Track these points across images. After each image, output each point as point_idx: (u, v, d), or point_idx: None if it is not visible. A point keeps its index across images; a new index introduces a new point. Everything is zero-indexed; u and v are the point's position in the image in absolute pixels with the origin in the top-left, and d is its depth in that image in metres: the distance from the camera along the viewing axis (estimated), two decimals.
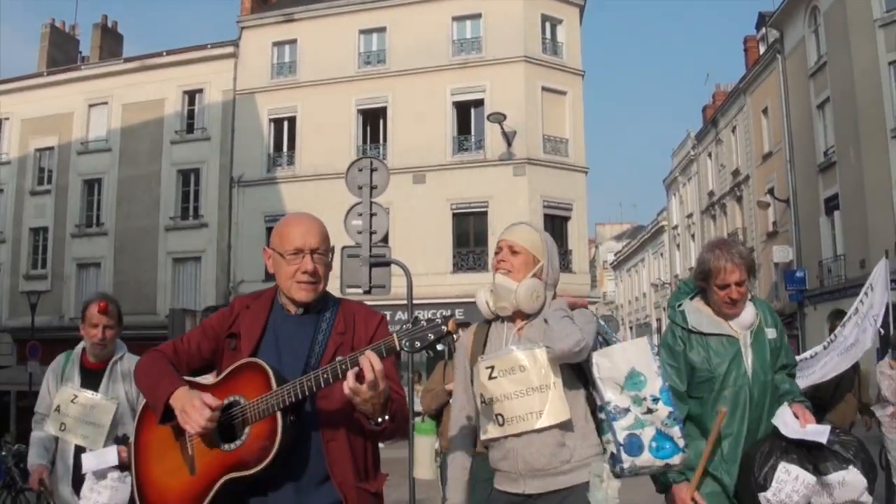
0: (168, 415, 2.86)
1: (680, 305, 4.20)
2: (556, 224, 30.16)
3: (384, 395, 2.73)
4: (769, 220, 36.32)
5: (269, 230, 31.49)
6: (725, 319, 4.03)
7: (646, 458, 3.35)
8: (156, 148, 34.75)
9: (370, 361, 2.64)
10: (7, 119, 37.69)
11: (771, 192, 35.03)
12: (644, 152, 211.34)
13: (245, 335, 3.07)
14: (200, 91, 34.68)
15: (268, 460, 2.73)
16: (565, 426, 3.40)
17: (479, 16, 31.54)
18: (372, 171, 11.32)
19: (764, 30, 38.05)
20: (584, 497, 3.30)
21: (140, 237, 34.28)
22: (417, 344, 2.66)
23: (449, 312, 2.75)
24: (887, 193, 25.80)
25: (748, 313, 4.02)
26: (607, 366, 3.45)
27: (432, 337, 2.65)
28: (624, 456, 3.34)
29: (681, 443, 3.37)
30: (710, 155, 45.86)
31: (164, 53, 35.74)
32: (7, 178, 37.46)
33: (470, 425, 3.74)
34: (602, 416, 3.44)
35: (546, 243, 3.69)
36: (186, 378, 2.98)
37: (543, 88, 30.77)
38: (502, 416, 3.40)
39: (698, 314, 4.09)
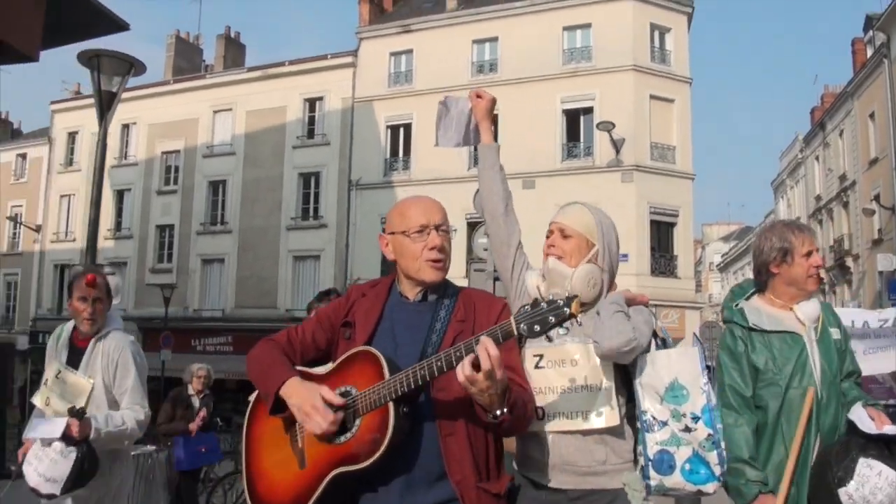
0: (278, 405, 2.79)
1: (737, 305, 3.95)
2: (661, 230, 30.96)
3: (502, 385, 2.52)
4: (875, 228, 36.31)
5: None
6: (791, 308, 3.82)
7: (676, 480, 3.08)
8: (278, 152, 36.55)
9: (486, 348, 2.43)
10: (135, 124, 39.84)
11: (877, 198, 35.07)
12: (752, 153, 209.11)
13: (360, 323, 2.97)
14: (321, 98, 36.36)
15: (379, 453, 2.60)
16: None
17: (588, 25, 32.42)
18: None
19: (871, 32, 38.00)
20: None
21: (262, 236, 36.08)
22: (537, 328, 2.45)
23: (573, 294, 2.51)
24: None
25: (813, 304, 3.83)
26: (648, 371, 3.19)
27: (553, 319, 2.43)
28: (652, 472, 3.10)
29: (717, 470, 3.07)
30: (817, 158, 45.74)
31: (286, 63, 37.53)
32: (135, 178, 39.78)
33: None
34: (638, 424, 3.18)
35: (602, 226, 3.40)
36: (299, 368, 2.92)
37: (651, 96, 31.51)
38: (543, 410, 3.13)
39: (757, 312, 3.84)
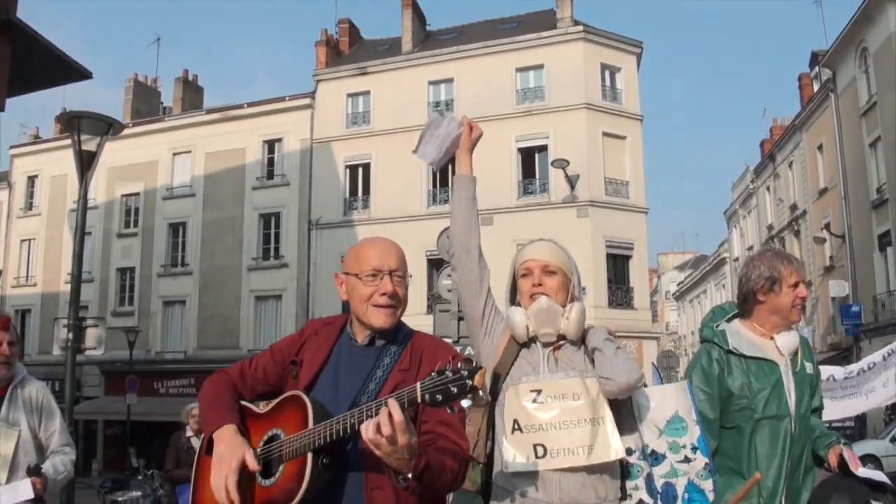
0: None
1: (717, 326, 3.93)
2: (618, 262, 31.65)
3: (408, 451, 2.42)
4: (826, 255, 37.14)
5: None
6: (772, 337, 3.84)
7: None
8: (238, 193, 36.92)
9: (390, 412, 2.37)
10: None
11: (827, 227, 35.98)
12: (706, 184, 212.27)
13: (307, 363, 2.90)
14: (279, 140, 36.82)
15: (294, 503, 2.54)
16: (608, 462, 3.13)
17: (541, 66, 33.27)
18: None
19: (817, 68, 39.08)
20: None
21: (224, 276, 36.32)
22: (439, 397, 2.38)
23: (476, 363, 2.47)
24: None
25: (793, 335, 3.84)
26: (650, 407, 3.26)
27: (455, 391, 2.37)
28: None
29: (710, 497, 3.19)
30: (768, 189, 46.70)
31: (245, 105, 38.05)
32: (95, 221, 39.19)
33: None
34: (633, 459, 3.17)
35: (572, 260, 3.42)
36: (243, 403, 2.91)
37: (604, 133, 32.36)
38: (543, 447, 3.07)
39: (738, 336, 3.83)
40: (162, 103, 44.68)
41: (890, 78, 29.45)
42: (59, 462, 4.81)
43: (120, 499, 10.39)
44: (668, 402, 3.32)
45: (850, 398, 7.17)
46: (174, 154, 38.41)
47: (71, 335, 10.06)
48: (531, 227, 30.54)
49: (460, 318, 12.98)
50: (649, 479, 3.15)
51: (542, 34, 33.71)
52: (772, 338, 3.81)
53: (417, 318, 31.07)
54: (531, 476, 3.08)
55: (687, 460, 3.21)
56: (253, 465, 2.61)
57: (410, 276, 3.03)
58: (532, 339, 3.26)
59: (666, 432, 3.25)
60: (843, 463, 3.68)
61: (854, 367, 7.23)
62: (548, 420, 3.09)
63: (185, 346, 36.76)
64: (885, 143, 30.43)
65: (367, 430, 2.39)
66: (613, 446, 3.07)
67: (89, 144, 9.98)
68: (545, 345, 3.25)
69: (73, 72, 13.46)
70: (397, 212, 33.26)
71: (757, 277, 3.82)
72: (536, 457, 3.07)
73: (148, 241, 38.49)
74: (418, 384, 2.42)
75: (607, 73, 33.56)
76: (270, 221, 36.51)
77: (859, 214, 33.23)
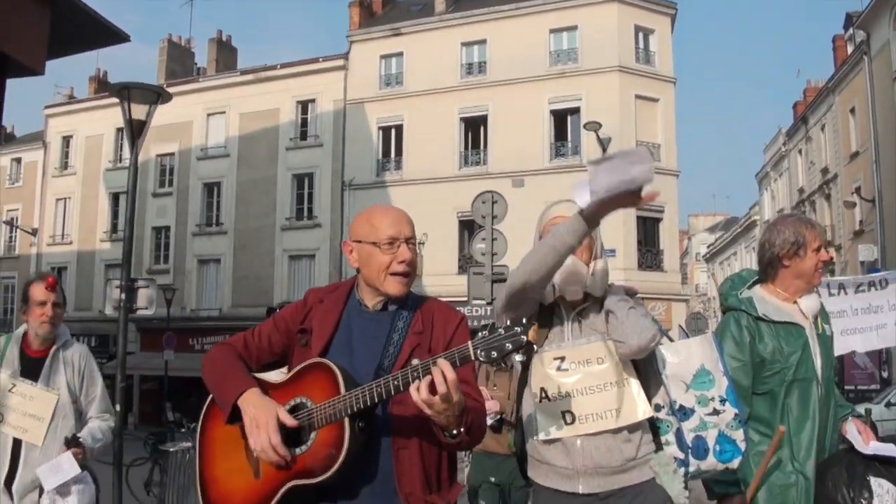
0: (236, 414, 2.73)
1: (741, 293, 3.93)
2: (648, 225, 31.82)
3: (459, 407, 2.51)
4: (856, 219, 37.14)
5: None
6: (795, 300, 3.85)
7: (710, 462, 3.21)
8: (272, 154, 37.30)
9: (442, 372, 2.43)
10: None
11: (857, 191, 35.94)
12: (738, 146, 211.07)
13: (317, 331, 2.90)
14: (313, 101, 37.08)
15: (334, 469, 2.58)
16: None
17: (574, 28, 33.24)
18: (493, 203, 13.37)
19: (851, 30, 38.79)
20: (659, 491, 3.07)
21: (257, 236, 36.79)
22: (494, 354, 2.44)
23: (529, 321, 2.50)
24: None
25: (815, 298, 3.90)
26: (675, 362, 3.30)
27: (510, 346, 2.43)
28: (691, 459, 3.17)
29: (742, 446, 3.24)
30: (800, 152, 46.49)
31: (279, 66, 38.30)
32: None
33: None
34: (662, 415, 3.19)
35: None
36: (255, 375, 2.88)
37: (637, 96, 32.39)
38: (572, 414, 3.07)
39: (764, 302, 3.84)
40: (196, 64, 44.93)
41: None
42: (97, 429, 4.74)
43: (171, 449, 10.74)
44: (693, 356, 3.36)
45: (862, 332, 6.55)
46: (208, 115, 38.76)
47: (123, 295, 10.38)
48: (563, 189, 30.30)
49: (493, 281, 13.36)
50: (679, 434, 3.17)
51: None
52: (795, 302, 3.84)
53: (449, 277, 31.58)
54: (556, 444, 3.11)
55: (716, 412, 3.25)
56: (290, 421, 2.63)
57: (421, 242, 2.94)
58: (557, 303, 3.23)
59: (693, 386, 3.28)
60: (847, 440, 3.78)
61: (864, 279, 6.57)
62: (573, 386, 3.09)
63: (221, 303, 37.33)
64: None
65: (419, 391, 2.46)
66: (641, 406, 3.08)
67: (138, 113, 10.24)
68: (570, 307, 3.23)
69: (111, 35, 13.76)
70: (429, 173, 33.55)
71: (782, 242, 3.84)
72: (566, 423, 3.07)
73: (183, 200, 39.02)
74: (469, 342, 2.49)
75: (641, 35, 33.49)
76: (304, 182, 36.87)
77: (890, 179, 33.12)
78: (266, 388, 2.80)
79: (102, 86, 44.64)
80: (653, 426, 3.16)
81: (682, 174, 33.70)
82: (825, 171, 41.20)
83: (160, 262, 39.31)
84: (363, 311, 2.93)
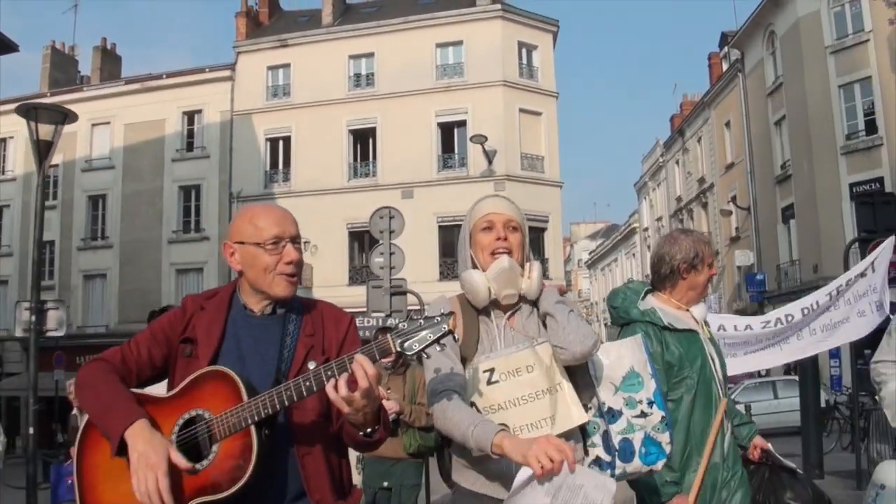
0: (123, 446, 2.46)
1: (641, 306, 4.06)
2: (532, 234, 32.51)
3: (377, 403, 2.48)
4: (732, 226, 38.75)
5: None
6: (688, 308, 4.06)
7: (636, 465, 3.12)
8: (158, 165, 36.82)
9: (363, 366, 2.35)
10: (12, 138, 39.45)
11: (734, 199, 37.55)
12: (618, 156, 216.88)
13: (203, 340, 2.72)
14: (199, 111, 36.79)
15: (244, 480, 2.44)
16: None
17: (460, 42, 33.94)
18: (390, 218, 13.78)
19: (726, 49, 40.47)
20: None
21: (144, 249, 36.27)
22: (416, 346, 2.38)
23: (448, 311, 2.48)
24: (837, 204, 28.38)
25: (703, 307, 4.11)
26: (606, 363, 3.19)
27: (431, 337, 2.37)
28: (618, 462, 3.07)
29: (667, 449, 3.18)
30: (677, 162, 48.19)
31: (164, 76, 37.85)
32: (13, 194, 39.36)
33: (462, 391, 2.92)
34: (590, 416, 3.05)
35: (524, 217, 3.25)
36: (136, 391, 2.66)
37: (521, 110, 33.25)
38: (506, 427, 2.79)
39: (664, 311, 3.98)
40: (80, 72, 44.04)
41: (796, 61, 30.93)
42: None
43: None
44: (623, 357, 3.26)
45: (765, 350, 7.19)
46: (93, 125, 37.89)
47: (34, 318, 10.46)
48: (450, 201, 31.33)
49: (392, 294, 13.78)
50: (606, 436, 3.09)
51: (462, 11, 34.38)
52: (688, 310, 4.04)
53: (339, 288, 31.77)
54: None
55: (643, 415, 3.17)
56: (183, 463, 2.43)
57: (312, 244, 2.78)
58: (488, 306, 3.06)
59: (622, 388, 3.18)
60: (767, 454, 4.18)
61: (772, 316, 7.25)
62: (504, 398, 2.90)
63: (107, 319, 36.64)
64: (790, 122, 31.98)
65: (338, 389, 2.36)
66: (574, 412, 2.95)
67: (45, 133, 10.40)
68: (502, 311, 3.07)
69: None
70: (318, 184, 33.74)
71: (683, 257, 4.02)
72: None
73: (67, 214, 38.14)
74: (389, 335, 2.41)
75: (524, 51, 34.35)
76: (191, 194, 36.55)
77: (764, 188, 34.80)
78: (150, 404, 2.60)
79: None
80: (582, 429, 3.05)
81: (565, 184, 34.65)
82: (702, 180, 42.81)
83: (45, 278, 37.82)
84: (250, 317, 2.79)
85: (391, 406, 6.32)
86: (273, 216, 2.78)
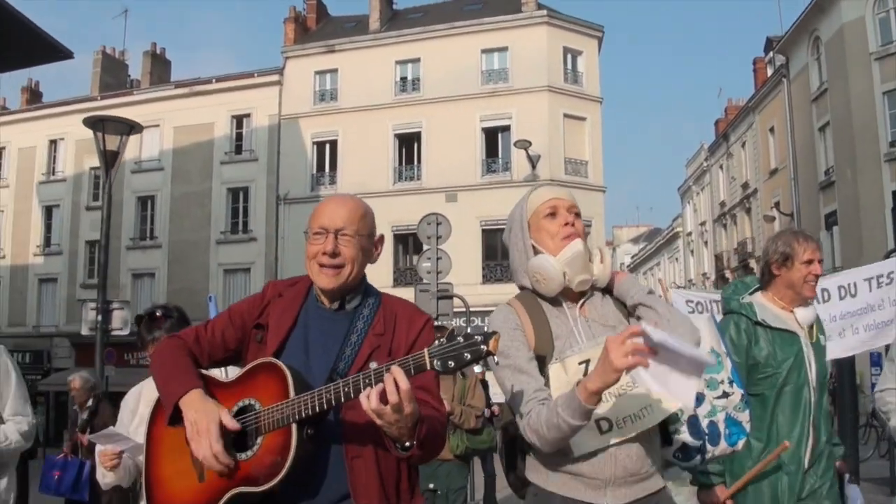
0: (177, 415, 2.58)
1: (742, 299, 4.07)
2: None
3: (413, 418, 2.35)
4: (775, 232, 38.56)
5: None
6: (791, 310, 4.01)
7: (722, 447, 3.01)
8: (206, 167, 37.48)
9: (395, 380, 2.27)
10: (62, 139, 40.31)
11: (777, 205, 37.50)
12: (662, 160, 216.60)
13: (273, 328, 2.73)
14: (248, 115, 37.36)
15: (278, 478, 2.43)
16: None
17: (506, 48, 34.18)
18: (437, 224, 14.14)
19: (771, 54, 40.41)
20: (671, 501, 2.85)
21: (192, 250, 36.88)
22: (451, 364, 2.27)
23: (487, 327, 2.42)
24: (880, 212, 28.23)
25: (811, 309, 4.04)
26: None
27: (469, 357, 2.26)
28: (708, 447, 2.95)
29: (748, 427, 3.09)
30: (721, 167, 48.09)
31: (213, 80, 38.54)
32: (63, 193, 40.14)
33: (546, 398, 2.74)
34: None
35: None
36: (204, 372, 2.71)
37: (565, 115, 33.47)
38: (608, 420, 2.72)
39: (763, 308, 3.98)
40: (129, 76, 44.80)
41: (840, 67, 30.87)
42: (5, 431, 4.55)
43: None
44: (702, 338, 3.02)
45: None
46: (143, 128, 38.50)
47: (100, 317, 10.90)
48: (494, 205, 31.56)
49: (439, 298, 14.14)
50: (694, 421, 2.91)
51: (507, 17, 34.56)
52: (791, 311, 4.00)
53: (383, 290, 31.85)
54: (586, 454, 2.72)
55: (725, 395, 3.09)
56: (232, 424, 2.49)
57: (382, 236, 2.76)
58: (559, 299, 2.89)
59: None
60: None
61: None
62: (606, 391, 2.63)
63: None
64: (834, 129, 31.89)
65: (369, 400, 2.29)
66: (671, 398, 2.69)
67: (112, 144, 10.83)
68: (573, 302, 2.90)
69: (54, 51, 14.04)
70: (363, 187, 33.87)
71: (773, 252, 4.03)
72: (602, 432, 2.71)
73: (116, 214, 38.29)
74: (426, 350, 2.31)
75: (569, 57, 34.55)
76: (239, 195, 37.10)
77: (807, 195, 34.73)
78: (213, 386, 2.64)
79: (34, 96, 44.38)
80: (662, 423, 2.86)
81: (608, 188, 34.82)
82: (745, 185, 42.74)
83: (94, 277, 38.79)
84: (321, 309, 2.77)
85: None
86: (328, 207, 2.77)
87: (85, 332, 12.34)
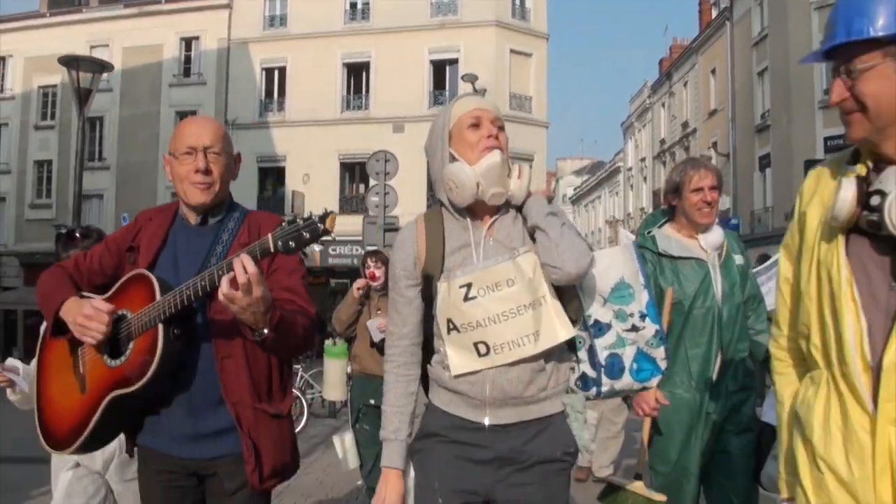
0: (60, 328, 2.75)
1: (649, 232, 4.10)
2: None
3: (264, 303, 2.45)
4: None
5: (261, 170, 34.63)
6: (696, 236, 4.02)
7: (626, 382, 2.89)
8: (155, 90, 37.49)
9: (243, 264, 2.37)
10: (10, 56, 39.85)
11: (714, 145, 38.60)
12: (608, 94, 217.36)
13: (144, 248, 2.87)
14: (197, 38, 37.33)
15: (148, 375, 2.54)
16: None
17: None
18: (386, 161, 15.00)
19: None
20: (565, 427, 2.79)
21: (140, 171, 36.94)
22: (292, 244, 2.36)
23: (327, 210, 2.43)
24: (811, 156, 29.19)
25: (717, 233, 4.02)
26: (593, 273, 2.83)
27: (307, 236, 2.34)
28: (604, 379, 2.84)
29: (662, 364, 2.93)
30: (663, 105, 49.05)
31: (163, 1, 38.21)
32: (11, 112, 39.89)
33: (412, 343, 2.88)
34: (575, 330, 2.81)
35: None
36: (84, 294, 2.83)
37: (511, 51, 34.06)
38: (486, 344, 2.66)
39: (667, 239, 4.02)
40: None
41: (780, 13, 31.65)
42: None
43: None
44: (612, 267, 2.94)
45: None
46: (91, 47, 37.94)
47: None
48: None
49: (386, 230, 15.03)
50: (591, 351, 2.84)
51: None
52: (696, 238, 4.02)
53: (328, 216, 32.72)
54: (464, 375, 2.72)
55: (635, 329, 2.88)
56: (105, 305, 2.66)
57: (304, 173, 2.92)
58: (466, 212, 2.79)
59: (611, 300, 2.87)
60: None
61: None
62: (484, 315, 2.67)
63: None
64: (772, 74, 32.86)
65: (221, 286, 2.40)
66: (560, 327, 2.71)
67: (84, 81, 11.44)
68: (482, 217, 2.80)
69: None
70: (311, 115, 34.58)
71: (667, 182, 4.12)
72: (479, 355, 2.69)
73: (66, 134, 38.56)
74: (269, 234, 2.39)
75: None
76: None
77: (744, 136, 35.85)
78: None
79: None
80: (570, 344, 2.84)
81: (553, 121, 35.62)
82: (685, 125, 43.76)
83: (42, 197, 39.18)
84: (186, 227, 2.92)
85: (379, 324, 6.57)
86: (191, 127, 2.88)
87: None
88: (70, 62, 11.66)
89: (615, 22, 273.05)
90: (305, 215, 2.38)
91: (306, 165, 34.26)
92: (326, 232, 2.36)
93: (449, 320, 2.72)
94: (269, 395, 2.81)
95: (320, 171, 33.83)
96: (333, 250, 32.82)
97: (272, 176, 36.24)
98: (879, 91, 1.92)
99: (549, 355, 2.74)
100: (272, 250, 2.39)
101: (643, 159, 52.96)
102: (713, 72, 39.88)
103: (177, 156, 2.83)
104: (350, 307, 6.97)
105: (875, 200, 1.94)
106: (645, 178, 52.88)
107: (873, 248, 1.99)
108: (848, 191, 1.97)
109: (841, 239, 2.03)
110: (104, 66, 11.93)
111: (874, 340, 1.93)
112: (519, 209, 2.83)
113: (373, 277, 6.91)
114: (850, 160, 2.11)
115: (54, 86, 38.92)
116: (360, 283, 6.90)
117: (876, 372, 1.92)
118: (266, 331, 2.53)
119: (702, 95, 41.31)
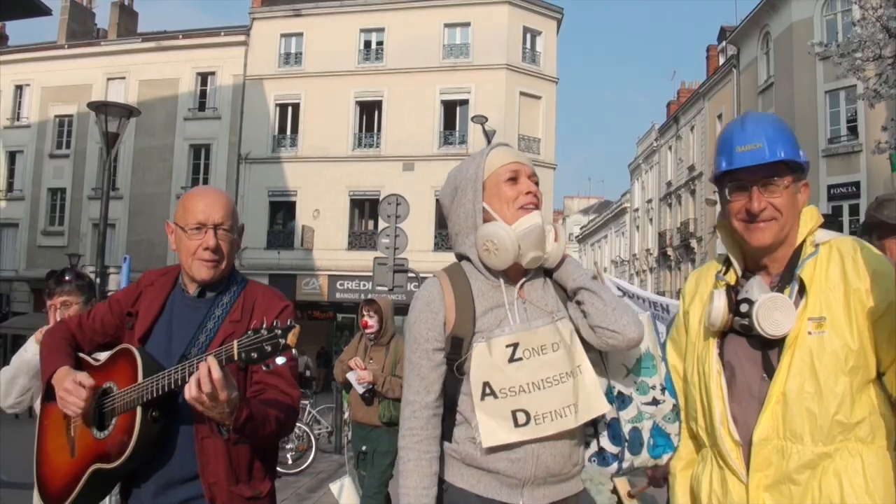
0: (54, 392, 2.75)
1: None
2: None
3: (230, 405, 2.44)
4: (716, 215, 40.00)
5: (272, 204, 34.89)
6: None
7: (643, 458, 2.70)
8: (170, 122, 38.08)
9: (208, 369, 2.36)
10: (28, 85, 40.51)
11: None
12: (616, 136, 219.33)
13: (142, 315, 2.86)
14: (213, 73, 38.05)
15: (125, 456, 2.58)
16: None
17: (468, 24, 35.29)
18: (397, 205, 15.43)
19: (724, 43, 41.75)
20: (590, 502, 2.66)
21: (153, 203, 37.41)
22: (254, 355, 2.36)
23: (291, 323, 2.39)
24: (814, 203, 29.25)
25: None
26: None
27: (269, 350, 2.33)
28: (627, 454, 2.66)
29: (675, 441, 2.73)
30: (670, 148, 49.47)
31: (180, 36, 39.08)
32: (27, 140, 40.43)
33: (434, 415, 2.57)
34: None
35: None
36: (81, 356, 2.88)
37: (521, 93, 34.76)
38: (526, 413, 2.45)
39: None
40: (96, 25, 45.02)
41: (786, 63, 32.11)
42: None
43: None
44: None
45: None
46: (108, 79, 39.02)
47: (98, 280, 11.99)
48: None
49: (395, 271, 15.43)
50: (615, 425, 2.66)
51: None
52: None
53: (338, 252, 33.39)
54: (501, 448, 2.47)
55: (655, 402, 2.72)
56: (88, 380, 2.68)
57: (315, 209, 2.95)
58: (499, 275, 2.59)
59: (634, 371, 2.72)
60: None
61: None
62: (528, 379, 2.48)
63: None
64: None
65: (189, 388, 2.39)
66: (595, 400, 2.55)
67: (112, 126, 11.90)
68: (514, 280, 2.61)
69: (34, 7, 14.63)
70: (324, 151, 35.20)
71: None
72: (517, 425, 2.46)
73: (80, 163, 39.27)
74: (235, 342, 2.40)
75: (529, 36, 35.75)
76: (201, 152, 37.81)
77: None
78: (87, 369, 2.82)
79: (0, 39, 44.48)
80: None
81: (560, 160, 36.17)
82: (692, 168, 44.15)
83: (55, 224, 39.58)
84: (185, 297, 2.89)
85: (365, 376, 6.71)
86: (202, 202, 2.83)
87: None
88: (99, 108, 12.12)
89: (625, 66, 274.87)
90: (270, 325, 2.38)
91: (317, 200, 34.80)
92: (287, 347, 2.35)
93: (486, 384, 2.47)
94: (249, 475, 2.78)
95: (330, 206, 34.40)
96: (341, 285, 33.27)
97: (283, 210, 36.66)
98: (789, 204, 2.37)
99: (578, 429, 2.57)
100: (235, 359, 2.40)
101: (650, 201, 53.34)
102: (720, 117, 40.30)
103: (186, 230, 2.81)
104: (346, 364, 7.08)
105: (744, 307, 2.34)
106: (651, 220, 53.21)
107: (748, 345, 2.39)
108: (720, 301, 2.38)
109: (714, 340, 2.45)
110: (132, 112, 12.39)
111: (748, 422, 2.32)
112: (548, 272, 2.67)
113: (365, 326, 7.06)
114: (724, 263, 2.55)
115: (70, 115, 39.61)
116: (363, 377, 6.87)
117: (748, 447, 2.31)
118: (227, 431, 2.57)
119: (708, 139, 41.69)
